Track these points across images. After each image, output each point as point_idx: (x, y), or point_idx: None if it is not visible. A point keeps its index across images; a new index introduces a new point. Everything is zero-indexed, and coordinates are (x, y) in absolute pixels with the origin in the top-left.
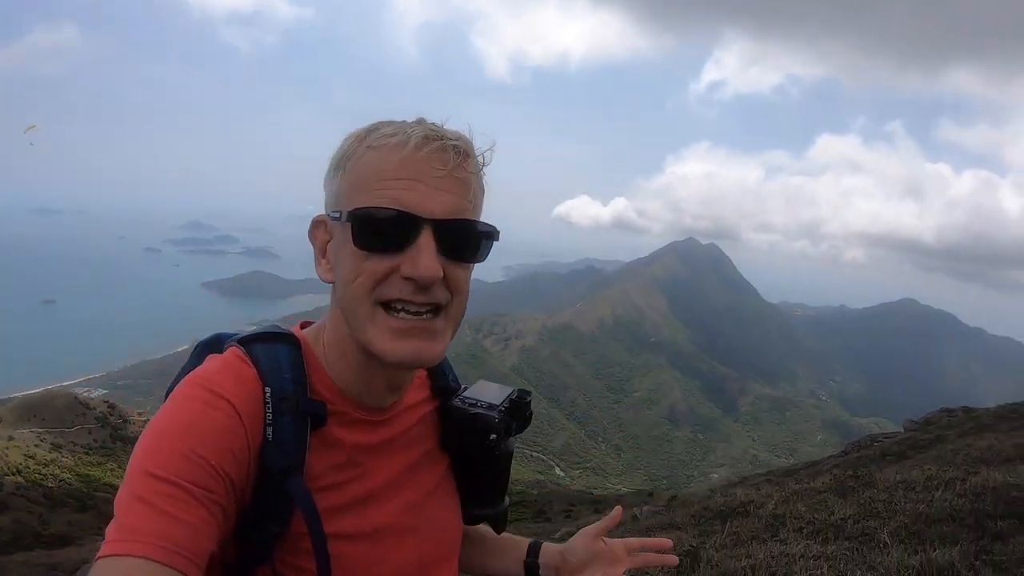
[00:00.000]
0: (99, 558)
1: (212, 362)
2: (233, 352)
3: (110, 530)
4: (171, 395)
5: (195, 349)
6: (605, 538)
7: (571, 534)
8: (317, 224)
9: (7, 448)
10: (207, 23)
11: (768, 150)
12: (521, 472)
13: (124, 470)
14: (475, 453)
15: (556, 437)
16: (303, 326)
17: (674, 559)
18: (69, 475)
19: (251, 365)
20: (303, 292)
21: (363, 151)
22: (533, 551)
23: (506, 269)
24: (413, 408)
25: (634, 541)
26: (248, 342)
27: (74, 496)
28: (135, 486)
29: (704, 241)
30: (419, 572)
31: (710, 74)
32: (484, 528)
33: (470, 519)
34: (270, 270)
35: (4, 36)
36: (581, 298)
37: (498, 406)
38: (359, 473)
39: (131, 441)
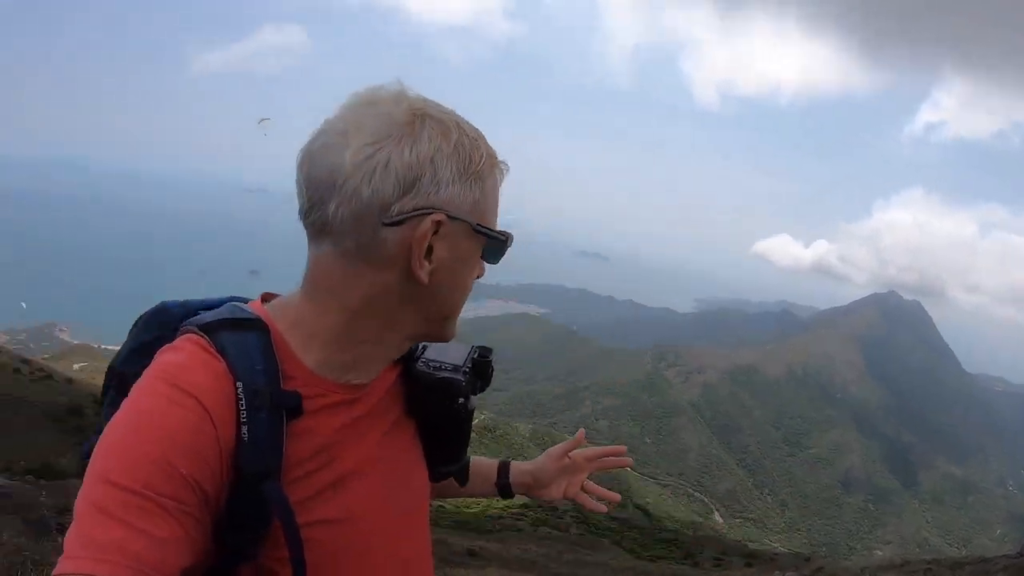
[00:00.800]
0: (59, 574)
1: (175, 353)
2: (196, 342)
3: (70, 543)
4: (136, 390)
5: (138, 323)
6: (570, 454)
7: None
8: (429, 222)
9: None
10: (424, 34)
11: (985, 202)
12: (680, 511)
13: None
14: (441, 416)
15: (722, 481)
16: (264, 299)
17: (630, 461)
18: None
19: (219, 357)
20: (492, 297)
21: (492, 171)
22: (504, 472)
23: (697, 301)
24: (382, 376)
25: (592, 451)
26: (212, 329)
27: None
28: (99, 496)
29: (907, 296)
30: (394, 540)
31: (927, 115)
32: None
33: (436, 476)
34: None
35: (237, 34)
36: (770, 341)
37: (462, 367)
38: (335, 455)
39: None
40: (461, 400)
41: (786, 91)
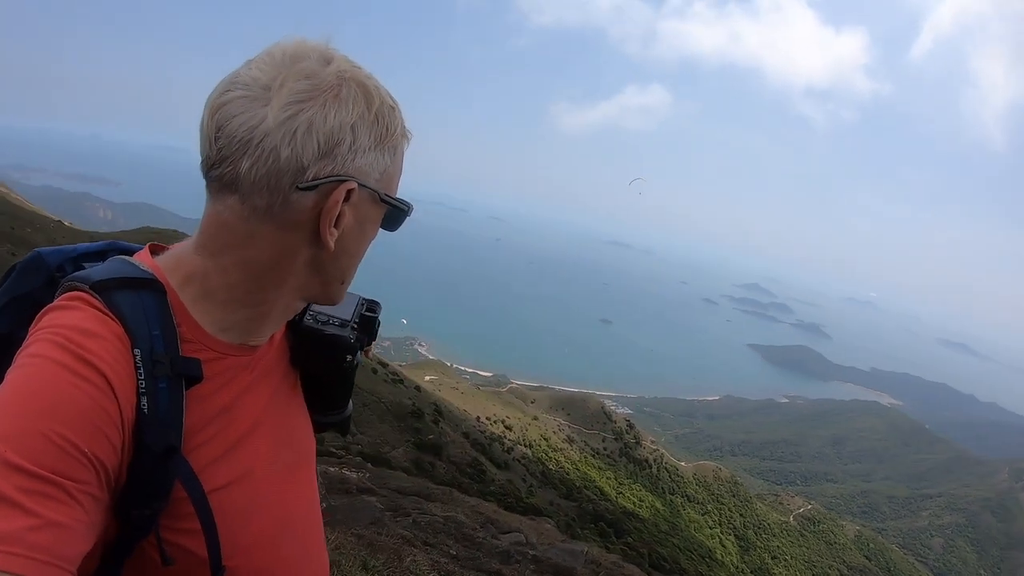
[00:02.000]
0: None
1: (69, 315)
2: (88, 301)
3: None
4: (26, 356)
5: (10, 273)
6: None
7: None
8: (343, 190)
9: (529, 424)
10: (784, 95)
11: None
12: None
13: (621, 484)
14: (328, 371)
15: None
16: (153, 251)
17: None
18: (570, 466)
19: (115, 320)
20: (844, 380)
21: (402, 139)
22: None
23: None
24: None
25: None
26: (105, 289)
27: (565, 484)
28: None
29: None
30: (282, 496)
31: None
32: None
33: (318, 428)
34: (817, 348)
35: (606, 93)
36: None
37: (350, 322)
38: (231, 418)
39: (637, 462)
40: (349, 357)
41: None
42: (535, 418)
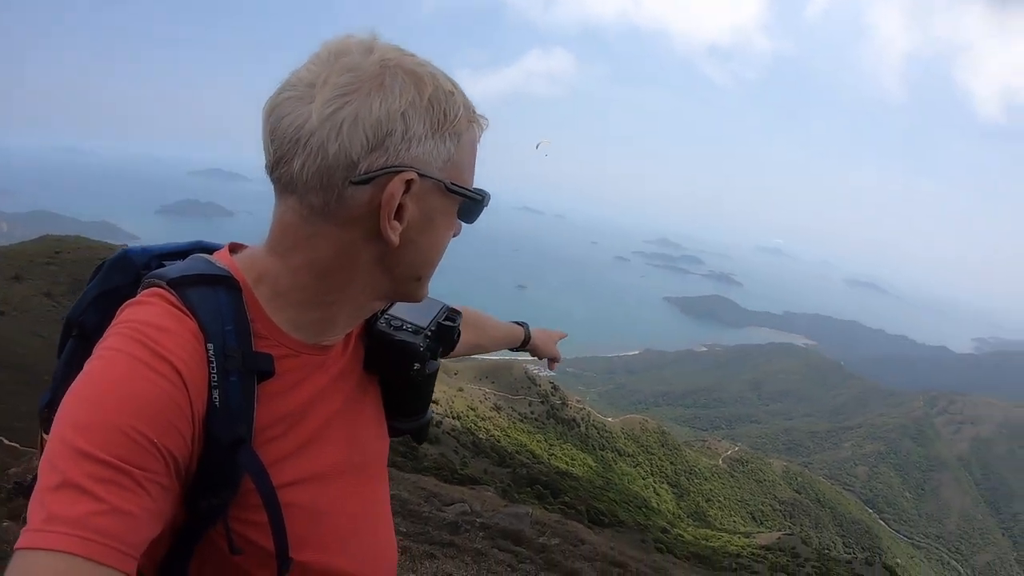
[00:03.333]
0: (22, 548)
1: (144, 310)
2: (164, 297)
3: (34, 514)
4: (104, 348)
5: (100, 269)
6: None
7: None
8: (400, 182)
9: (455, 396)
10: (687, 56)
11: None
12: None
13: (552, 445)
14: (398, 377)
15: (983, 551)
16: (232, 249)
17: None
18: (500, 433)
19: (189, 315)
20: (759, 325)
21: (469, 126)
22: (527, 339)
23: (977, 341)
24: (348, 335)
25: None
26: (181, 285)
27: (497, 451)
28: (66, 466)
29: None
30: (355, 494)
31: None
32: (472, 316)
33: (393, 432)
34: (730, 296)
35: (510, 59)
36: None
37: (424, 329)
38: (304, 417)
39: (565, 422)
40: (417, 365)
41: None
42: (460, 389)
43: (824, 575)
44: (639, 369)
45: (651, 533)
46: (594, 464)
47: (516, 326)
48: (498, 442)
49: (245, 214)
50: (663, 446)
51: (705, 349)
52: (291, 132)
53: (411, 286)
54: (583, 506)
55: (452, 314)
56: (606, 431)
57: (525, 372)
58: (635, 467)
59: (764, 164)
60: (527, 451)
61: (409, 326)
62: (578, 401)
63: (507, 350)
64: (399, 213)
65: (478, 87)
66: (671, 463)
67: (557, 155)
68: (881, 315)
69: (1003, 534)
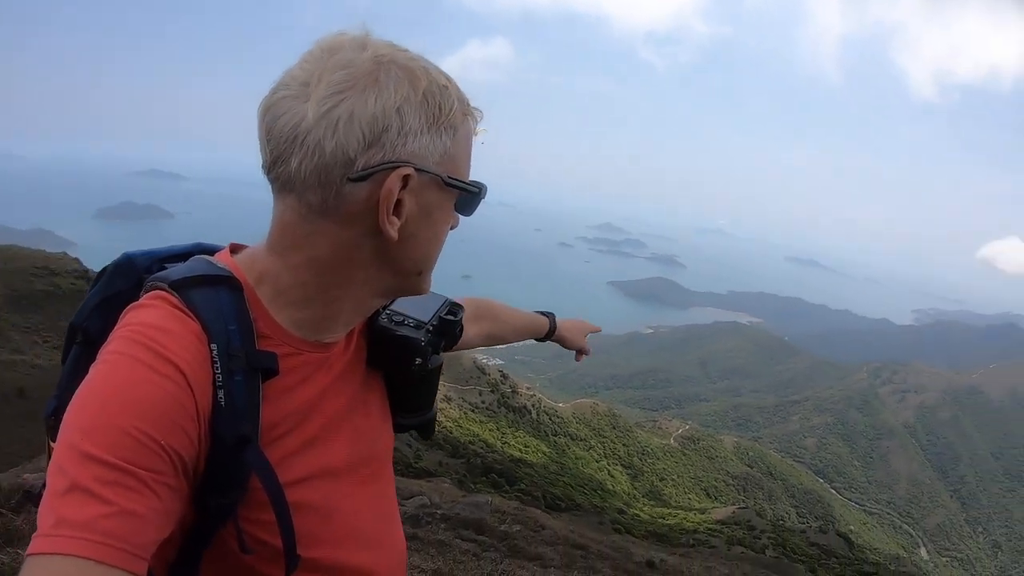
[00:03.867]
0: (33, 554)
1: (147, 312)
2: (166, 299)
3: (43, 519)
4: (108, 352)
5: (103, 274)
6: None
7: None
8: (397, 177)
9: None
10: (626, 41)
11: None
12: (884, 543)
13: (505, 433)
14: (401, 373)
15: (932, 514)
16: (233, 250)
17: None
18: (451, 424)
19: (192, 317)
20: (703, 305)
21: (464, 119)
22: (552, 329)
23: (916, 312)
24: (351, 332)
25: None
26: (183, 286)
27: (450, 442)
28: (74, 470)
29: None
30: (363, 490)
31: None
32: (487, 307)
33: (398, 428)
34: (674, 278)
35: (449, 47)
36: (996, 359)
37: (426, 324)
38: (309, 414)
39: (516, 410)
40: (419, 360)
41: (1008, 75)
42: None
43: (780, 545)
44: None
45: (608, 514)
46: (548, 450)
47: (541, 316)
48: (451, 433)
49: (184, 215)
50: (614, 428)
51: (651, 331)
52: (287, 131)
53: (413, 280)
54: (539, 492)
55: (454, 308)
56: (558, 417)
57: (474, 362)
58: (588, 451)
59: (705, 147)
60: (480, 441)
61: (411, 321)
62: (528, 388)
63: (532, 340)
64: (397, 208)
65: None
66: (623, 445)
67: (498, 143)
68: (823, 290)
69: (951, 496)
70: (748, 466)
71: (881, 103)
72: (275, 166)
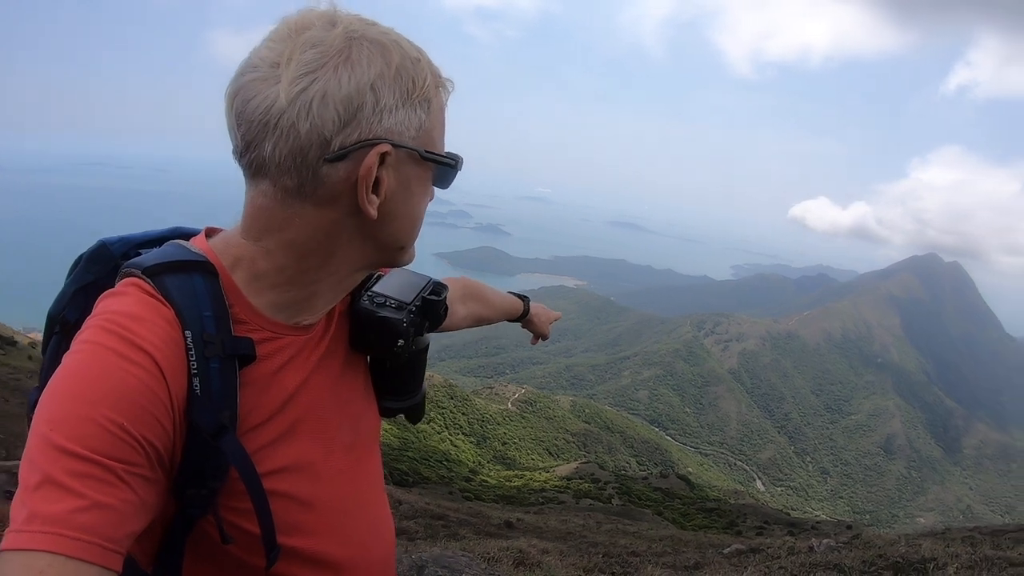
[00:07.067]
0: (3, 550)
1: (120, 300)
2: (139, 285)
3: (16, 514)
4: (79, 342)
5: (78, 263)
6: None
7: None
8: (375, 154)
9: None
10: (455, 18)
11: None
12: (721, 480)
13: None
14: (382, 355)
15: (763, 449)
16: (208, 234)
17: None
18: None
19: (165, 303)
20: (531, 271)
21: (437, 91)
22: (527, 311)
23: (735, 268)
24: (331, 312)
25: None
26: (156, 272)
27: None
28: (45, 463)
29: (947, 258)
30: (346, 476)
31: (961, 74)
32: (475, 288)
33: (386, 413)
34: (500, 246)
35: (251, 21)
36: (809, 306)
37: (409, 304)
38: (289, 400)
39: None
40: (401, 342)
41: (818, 54)
42: None
43: (625, 493)
44: None
45: (456, 484)
46: (388, 426)
47: (517, 299)
48: None
49: None
50: (452, 399)
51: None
52: (259, 115)
53: (396, 255)
54: (385, 470)
55: (438, 288)
56: None
57: None
58: (428, 423)
59: (530, 119)
60: None
61: (392, 302)
62: None
63: (507, 321)
64: (376, 186)
65: (230, 47)
66: (463, 414)
67: None
68: (647, 252)
69: (779, 432)
70: (586, 423)
71: (702, 79)
72: (247, 151)
